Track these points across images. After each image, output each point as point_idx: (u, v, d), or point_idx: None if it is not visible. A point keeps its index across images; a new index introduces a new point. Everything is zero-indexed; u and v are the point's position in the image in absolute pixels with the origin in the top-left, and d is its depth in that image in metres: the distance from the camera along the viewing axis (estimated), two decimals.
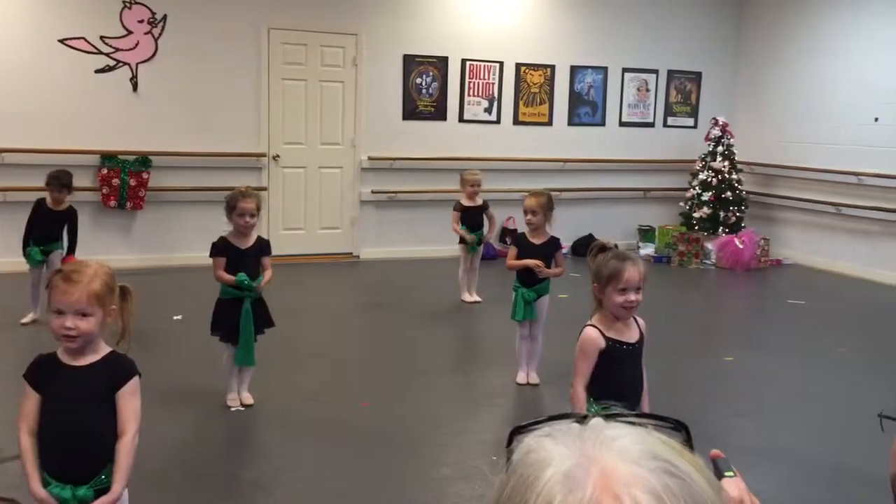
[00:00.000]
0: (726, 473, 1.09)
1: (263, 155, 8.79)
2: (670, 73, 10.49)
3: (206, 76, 8.43)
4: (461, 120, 9.54)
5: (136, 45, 8.19)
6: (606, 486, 0.63)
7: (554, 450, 0.67)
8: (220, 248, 4.57)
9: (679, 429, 0.74)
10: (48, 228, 6.16)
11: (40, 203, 6.19)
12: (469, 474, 3.98)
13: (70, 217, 6.23)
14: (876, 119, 8.89)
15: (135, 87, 8.21)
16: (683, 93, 10.62)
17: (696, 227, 9.76)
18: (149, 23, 8.21)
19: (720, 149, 9.85)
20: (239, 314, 4.52)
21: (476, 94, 9.57)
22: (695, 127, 10.60)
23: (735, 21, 10.63)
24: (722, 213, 9.75)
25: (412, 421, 4.69)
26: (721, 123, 9.89)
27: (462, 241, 7.30)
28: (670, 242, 9.78)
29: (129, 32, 8.16)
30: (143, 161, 8.20)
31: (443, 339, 6.50)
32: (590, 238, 9.26)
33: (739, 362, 5.97)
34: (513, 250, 5.23)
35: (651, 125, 10.52)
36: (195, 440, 4.43)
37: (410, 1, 9.17)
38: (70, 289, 2.44)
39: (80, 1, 7.95)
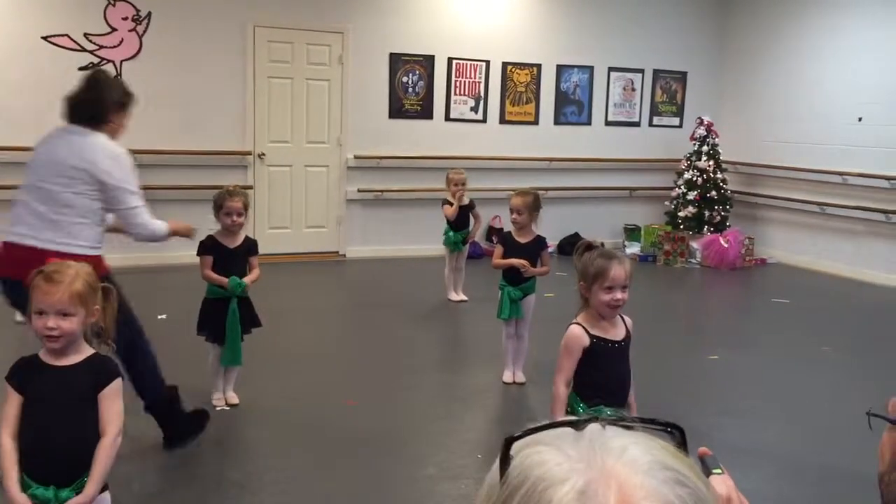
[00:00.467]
0: (714, 471, 1.09)
1: (249, 153, 8.75)
2: (656, 72, 10.52)
3: (191, 74, 8.38)
4: (447, 119, 9.53)
5: (121, 42, 8.14)
6: (625, 502, 0.61)
7: (565, 464, 0.64)
8: (208, 246, 4.55)
9: (673, 431, 0.73)
10: None
11: None
12: (455, 473, 3.97)
13: None
14: (860, 119, 8.94)
15: None
16: (669, 92, 10.66)
17: (682, 227, 9.79)
18: (133, 20, 8.16)
19: (705, 148, 9.88)
20: (225, 314, 4.49)
21: (462, 92, 9.57)
22: (680, 126, 10.64)
23: (720, 21, 10.68)
24: (707, 213, 9.79)
25: (398, 420, 4.68)
26: (706, 123, 9.93)
27: (446, 236, 7.28)
28: (656, 241, 9.82)
29: (114, 30, 8.11)
30: None
31: (429, 337, 6.49)
32: (576, 237, 9.28)
33: (724, 360, 6.00)
34: (499, 249, 5.22)
35: (637, 124, 10.55)
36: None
37: None
38: (51, 289, 2.43)
39: None
